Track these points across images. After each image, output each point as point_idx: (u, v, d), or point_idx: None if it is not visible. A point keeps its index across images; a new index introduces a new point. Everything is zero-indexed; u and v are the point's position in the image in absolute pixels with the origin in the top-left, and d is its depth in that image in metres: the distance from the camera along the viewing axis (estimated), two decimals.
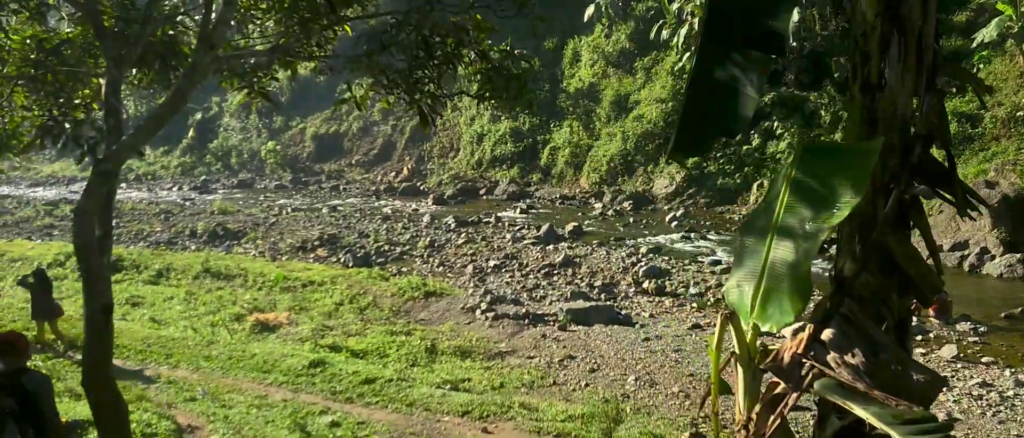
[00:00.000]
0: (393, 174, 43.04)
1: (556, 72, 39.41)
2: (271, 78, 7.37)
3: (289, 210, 33.64)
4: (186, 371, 12.57)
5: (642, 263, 20.34)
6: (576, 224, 25.68)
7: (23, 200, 40.46)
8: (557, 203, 32.19)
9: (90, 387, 4.72)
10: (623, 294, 18.32)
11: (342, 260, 23.51)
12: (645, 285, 18.64)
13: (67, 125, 6.09)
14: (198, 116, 52.87)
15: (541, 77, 39.33)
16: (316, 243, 25.77)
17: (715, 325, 14.40)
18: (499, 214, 29.45)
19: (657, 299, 17.72)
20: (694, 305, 17.14)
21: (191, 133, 52.10)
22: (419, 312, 17.15)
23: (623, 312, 16.53)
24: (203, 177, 47.16)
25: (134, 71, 6.09)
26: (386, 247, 24.99)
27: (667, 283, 18.68)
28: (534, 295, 18.31)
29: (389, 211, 32.57)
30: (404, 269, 22.18)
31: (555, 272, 20.41)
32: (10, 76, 5.63)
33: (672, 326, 15.43)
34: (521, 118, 38.36)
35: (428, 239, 25.56)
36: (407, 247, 24.98)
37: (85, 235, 4.47)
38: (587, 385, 12.21)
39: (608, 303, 17.07)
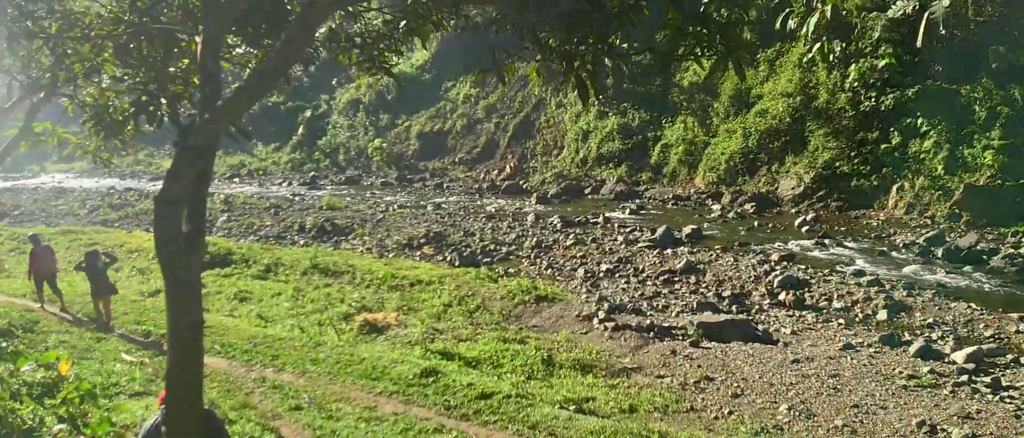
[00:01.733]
0: (496, 172, 42.26)
1: (668, 66, 37.58)
2: (393, 50, 6.34)
3: (395, 207, 33.27)
4: (292, 375, 11.84)
5: (776, 272, 18.53)
6: (694, 227, 23.99)
7: (143, 193, 41.82)
8: (670, 204, 30.48)
9: (173, 427, 3.80)
10: (756, 306, 16.64)
11: (448, 259, 22.73)
12: (781, 297, 16.89)
13: (164, 100, 5.24)
14: (308, 113, 53.73)
15: (652, 72, 37.67)
16: (422, 241, 25.11)
17: (869, 345, 12.59)
18: (607, 214, 28.02)
19: (797, 313, 15.95)
20: (841, 322, 15.30)
21: (301, 130, 52.97)
22: (530, 318, 16.02)
23: (760, 327, 14.88)
24: (312, 173, 47.77)
25: (235, 33, 5.18)
26: (491, 246, 24.06)
27: (806, 295, 16.86)
28: (655, 304, 16.87)
29: (492, 210, 31.70)
30: (511, 270, 21.16)
31: (676, 279, 18.89)
32: (100, 42, 4.85)
33: (820, 345, 13.70)
34: (630, 114, 36.82)
35: (534, 239, 24.46)
36: (513, 247, 23.98)
37: (169, 231, 3.48)
38: (731, 413, 10.74)
39: (742, 316, 15.45)
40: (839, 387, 11.43)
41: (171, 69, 5.26)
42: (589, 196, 34.01)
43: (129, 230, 29.22)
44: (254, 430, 9.20)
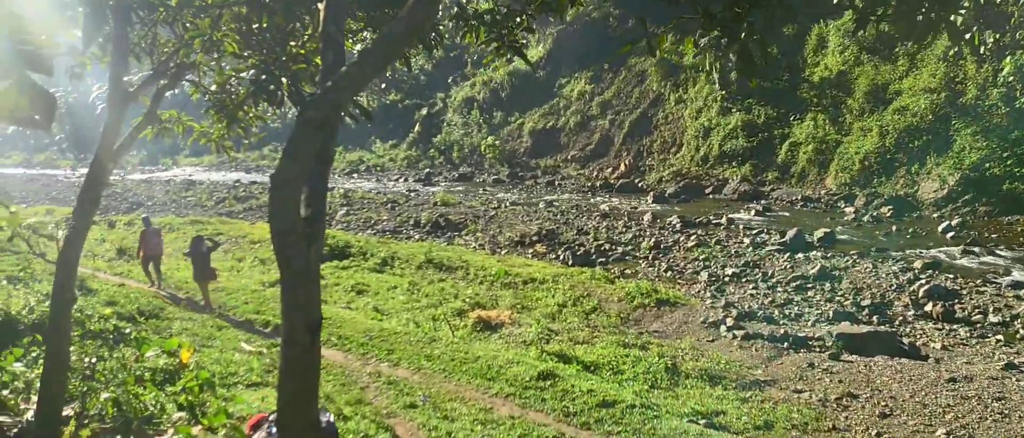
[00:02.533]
0: (610, 170, 41.35)
1: (797, 60, 35.64)
2: (525, 27, 5.79)
3: (507, 204, 33.01)
4: (407, 370, 11.56)
5: (921, 281, 16.94)
6: (827, 230, 22.41)
7: (267, 186, 43.25)
8: (798, 205, 28.76)
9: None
10: (900, 318, 15.20)
11: (561, 257, 22.16)
12: (928, 308, 15.37)
13: (284, 79, 4.90)
14: (424, 111, 54.46)
15: (780, 65, 35.81)
16: (534, 238, 24.65)
17: None
18: (731, 215, 26.69)
19: (947, 327, 14.45)
20: (999, 338, 13.72)
21: (417, 128, 53.74)
22: (651, 322, 15.22)
23: (906, 341, 13.53)
24: (426, 170, 48.33)
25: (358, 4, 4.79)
26: (607, 246, 23.29)
27: (957, 307, 15.28)
28: (787, 312, 15.70)
29: (606, 208, 30.87)
30: (627, 271, 20.35)
31: (809, 286, 17.57)
32: (218, 14, 4.57)
33: (977, 364, 12.26)
34: (755, 110, 35.09)
35: (652, 240, 23.52)
36: (629, 247, 23.13)
37: (285, 216, 3.04)
38: (879, 435, 9.64)
39: (885, 328, 14.11)
40: (1007, 412, 10.08)
41: (292, 43, 4.94)
42: (710, 196, 32.65)
43: (252, 222, 30.20)
44: (368, 428, 8.90)
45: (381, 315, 15.68)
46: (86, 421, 7.26)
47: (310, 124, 3.02)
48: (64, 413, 6.99)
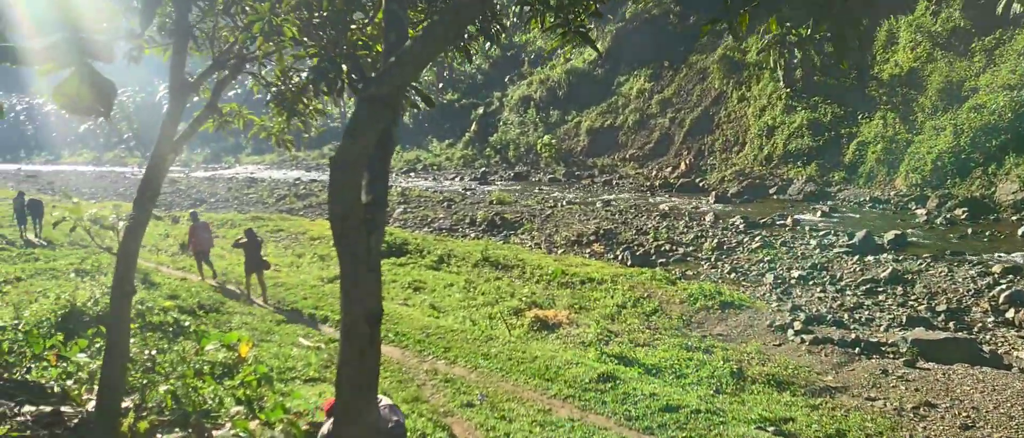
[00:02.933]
0: (669, 169, 40.65)
1: (865, 57, 34.44)
2: (592, 12, 5.51)
3: (563, 203, 32.70)
4: (463, 368, 11.39)
5: (1001, 286, 16.05)
6: (897, 232, 21.50)
7: (326, 184, 43.82)
8: (866, 207, 27.74)
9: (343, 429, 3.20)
10: (979, 324, 14.40)
11: (620, 257, 21.77)
12: (1009, 314, 14.53)
13: (344, 67, 4.74)
14: (480, 110, 54.50)
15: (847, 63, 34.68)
16: (591, 238, 24.29)
17: None
18: (796, 216, 25.86)
19: None
20: None
21: (473, 127, 53.81)
22: (714, 325, 14.74)
23: (987, 349, 12.79)
24: (482, 169, 48.32)
25: None
26: (667, 246, 22.79)
27: None
28: (857, 317, 15.03)
29: (666, 208, 30.29)
30: (689, 272, 19.83)
31: (880, 289, 16.83)
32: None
33: None
34: (821, 108, 34.05)
35: (715, 240, 22.92)
36: (690, 248, 22.59)
37: (345, 200, 2.84)
38: None
39: (963, 335, 13.39)
40: None
41: (353, 26, 4.76)
42: (773, 196, 31.76)
43: (312, 218, 30.55)
44: (425, 426, 8.75)
45: (438, 312, 15.57)
46: (145, 413, 7.26)
47: (373, 101, 2.81)
48: (124, 405, 6.98)
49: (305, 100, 7.64)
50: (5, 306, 13.19)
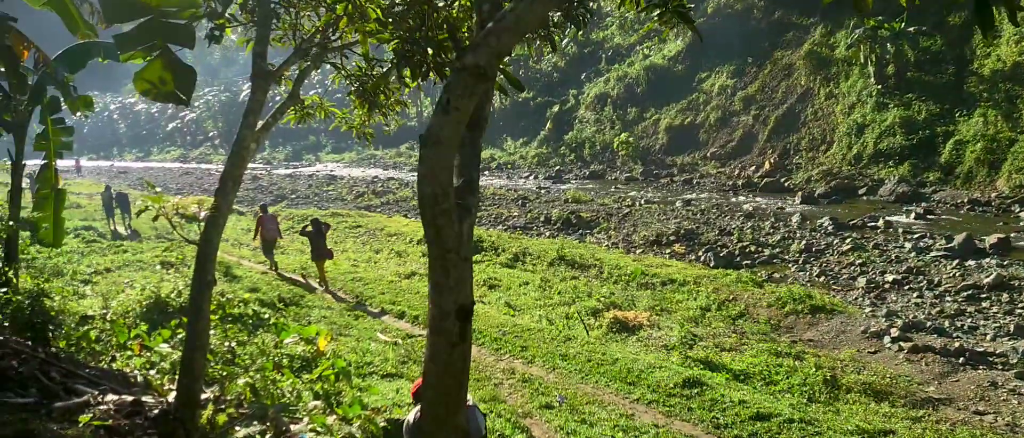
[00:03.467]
0: (753, 169, 39.36)
1: (964, 51, 32.58)
2: None
3: (641, 202, 32.03)
4: (541, 369, 11.09)
5: None
6: (1001, 236, 20.13)
7: (404, 182, 44.30)
8: (964, 209, 26.15)
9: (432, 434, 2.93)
10: None
11: (702, 258, 21.09)
12: None
13: (429, 50, 4.49)
14: (556, 108, 54.07)
15: (944, 58, 32.91)
16: (672, 238, 23.64)
17: None
18: (888, 218, 24.59)
19: None
20: None
21: (548, 125, 53.41)
22: (804, 330, 14.03)
23: None
24: (557, 167, 47.91)
25: None
26: (752, 248, 21.96)
27: None
28: (959, 324, 14.06)
29: (750, 208, 29.28)
30: (776, 275, 19.01)
31: (983, 296, 15.74)
32: None
33: None
34: (915, 106, 32.36)
35: (802, 242, 21.96)
36: (777, 249, 21.70)
37: (436, 181, 2.55)
38: None
39: None
40: None
41: (440, 3, 4.51)
42: (863, 197, 30.32)
43: (389, 214, 30.79)
44: (504, 427, 8.48)
45: (513, 311, 15.32)
46: (223, 406, 7.21)
47: (468, 71, 2.52)
48: (202, 396, 6.94)
49: (386, 92, 7.47)
50: (95, 296, 13.57)
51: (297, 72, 6.97)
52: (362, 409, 7.90)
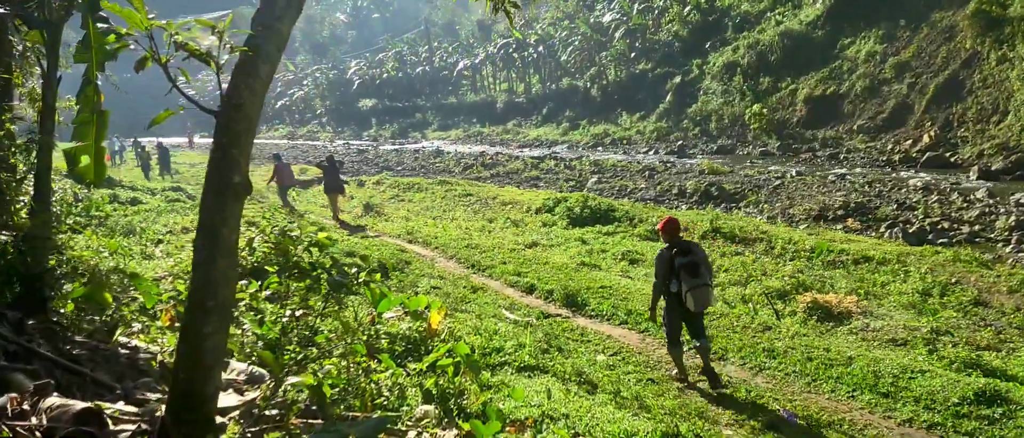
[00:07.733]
0: (909, 142, 34.35)
1: None
2: None
3: (791, 175, 28.01)
4: (740, 369, 7.85)
5: None
6: None
7: (512, 156, 41.76)
8: None
9: None
10: None
11: (885, 234, 17.22)
12: None
13: None
14: (677, 80, 50.02)
15: None
16: (840, 211, 19.77)
17: None
18: None
19: None
20: None
21: (669, 98, 49.42)
22: None
23: None
24: (679, 142, 44.03)
25: None
26: (944, 224, 17.87)
27: None
28: None
29: (918, 183, 24.84)
30: (985, 254, 14.95)
31: None
32: None
33: None
34: None
35: (1010, 218, 17.69)
36: (978, 227, 17.54)
37: None
38: None
39: None
40: None
41: None
42: None
43: (501, 185, 28.11)
44: None
45: None
46: (282, 411, 4.37)
47: None
48: (248, 397, 4.12)
49: None
50: (166, 257, 11.28)
51: None
52: (502, 424, 4.89)
